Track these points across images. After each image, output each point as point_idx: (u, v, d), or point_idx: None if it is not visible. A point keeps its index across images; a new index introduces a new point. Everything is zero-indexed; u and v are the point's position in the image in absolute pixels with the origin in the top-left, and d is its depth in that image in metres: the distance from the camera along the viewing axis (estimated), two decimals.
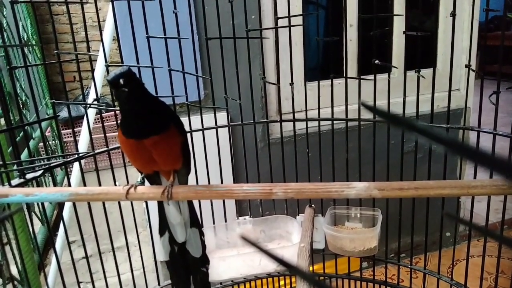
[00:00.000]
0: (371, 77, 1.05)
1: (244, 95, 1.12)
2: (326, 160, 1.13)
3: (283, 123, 1.16)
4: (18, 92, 2.13)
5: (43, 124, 2.33)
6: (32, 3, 1.02)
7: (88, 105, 1.00)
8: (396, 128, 1.28)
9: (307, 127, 1.15)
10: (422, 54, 1.00)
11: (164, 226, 0.85)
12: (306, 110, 1.14)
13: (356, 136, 1.09)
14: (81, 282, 1.02)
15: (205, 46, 1.03)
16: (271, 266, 1.09)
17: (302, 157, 1.15)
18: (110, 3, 0.96)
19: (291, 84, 1.10)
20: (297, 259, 0.91)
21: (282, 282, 1.33)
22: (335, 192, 0.70)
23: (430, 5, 1.68)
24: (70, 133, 2.91)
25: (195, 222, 0.86)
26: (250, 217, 1.19)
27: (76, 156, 0.93)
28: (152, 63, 0.97)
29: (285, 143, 1.20)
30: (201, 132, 1.09)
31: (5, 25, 1.98)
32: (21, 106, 2.11)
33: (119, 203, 0.96)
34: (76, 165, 1.43)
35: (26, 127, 1.77)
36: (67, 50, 0.99)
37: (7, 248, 1.06)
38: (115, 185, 0.92)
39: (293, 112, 1.14)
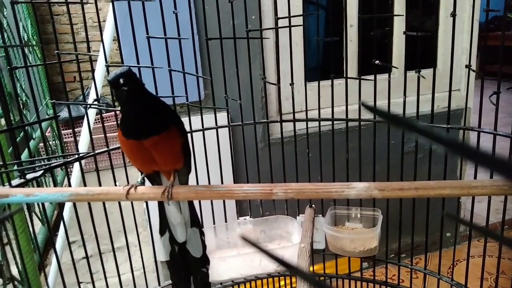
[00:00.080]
0: (372, 77, 1.05)
1: (244, 95, 1.12)
2: (327, 160, 1.13)
3: (283, 123, 1.16)
4: (19, 92, 2.13)
5: (44, 124, 2.34)
6: (33, 3, 1.02)
7: (88, 105, 1.00)
8: (396, 129, 1.28)
9: (307, 127, 1.15)
10: (422, 54, 1.00)
11: (164, 226, 0.85)
12: (306, 110, 1.14)
13: (357, 136, 1.09)
14: (81, 282, 1.02)
15: (205, 46, 1.03)
16: (271, 267, 1.09)
17: (302, 157, 1.15)
18: (110, 3, 0.96)
19: (291, 84, 1.10)
20: (298, 260, 0.91)
21: (282, 283, 1.32)
22: (336, 192, 0.70)
23: (430, 5, 1.68)
24: (70, 133, 2.91)
25: (195, 222, 0.86)
26: (251, 217, 1.19)
27: (77, 156, 0.93)
28: (152, 63, 0.97)
29: (286, 143, 1.20)
30: (201, 132, 1.09)
31: (5, 25, 1.98)
32: (22, 106, 2.11)
33: (119, 203, 0.96)
34: (76, 165, 1.43)
35: (26, 127, 1.77)
36: (67, 50, 0.99)
37: (8, 248, 1.06)
38: (116, 185, 0.92)
39: (293, 112, 1.14)
